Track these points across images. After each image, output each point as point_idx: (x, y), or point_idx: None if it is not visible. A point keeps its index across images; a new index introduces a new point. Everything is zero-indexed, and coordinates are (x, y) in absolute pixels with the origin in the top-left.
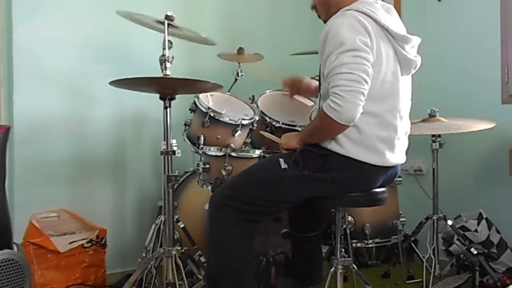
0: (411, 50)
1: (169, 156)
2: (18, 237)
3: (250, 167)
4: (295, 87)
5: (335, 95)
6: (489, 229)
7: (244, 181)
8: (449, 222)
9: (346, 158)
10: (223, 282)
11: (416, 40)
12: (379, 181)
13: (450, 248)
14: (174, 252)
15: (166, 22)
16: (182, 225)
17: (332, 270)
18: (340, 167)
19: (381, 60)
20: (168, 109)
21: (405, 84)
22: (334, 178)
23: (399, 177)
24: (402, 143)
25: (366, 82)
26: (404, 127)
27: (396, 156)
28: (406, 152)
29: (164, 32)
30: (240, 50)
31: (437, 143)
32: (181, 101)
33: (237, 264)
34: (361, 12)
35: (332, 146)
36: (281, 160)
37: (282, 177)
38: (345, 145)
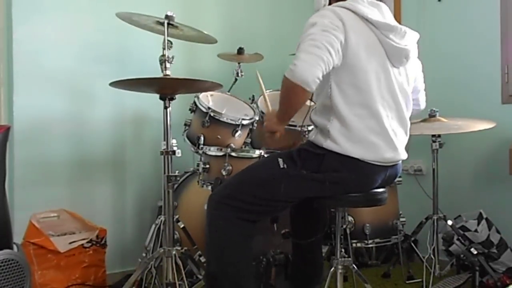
0: (401, 40)
1: (169, 156)
2: (18, 237)
3: (249, 166)
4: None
5: (295, 58)
6: (489, 229)
7: (243, 180)
8: (449, 222)
9: (342, 157)
10: (222, 282)
11: (406, 31)
12: (378, 181)
13: (450, 248)
14: (174, 252)
15: (166, 22)
16: (182, 225)
17: (332, 270)
18: (337, 167)
19: (359, 50)
20: (168, 109)
21: (401, 75)
22: (332, 179)
23: (399, 177)
24: (399, 137)
25: (328, 51)
26: (399, 119)
27: (394, 151)
28: (407, 151)
29: (163, 33)
30: (240, 50)
31: (437, 143)
32: (181, 101)
33: (236, 264)
34: (338, 6)
35: (327, 144)
36: (280, 160)
37: (280, 177)
38: (340, 142)
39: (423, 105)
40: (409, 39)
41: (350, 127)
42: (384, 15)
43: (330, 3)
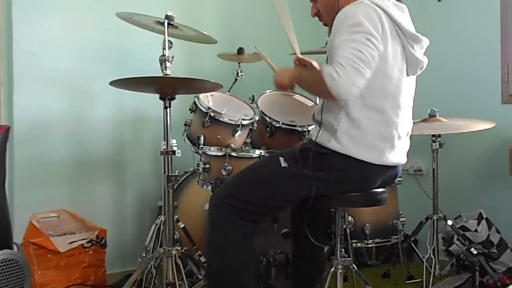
0: (420, 50)
1: (169, 156)
2: (18, 237)
3: (250, 165)
4: None
5: (339, 65)
6: (489, 229)
7: (244, 179)
8: (449, 222)
9: (345, 157)
10: (223, 282)
11: (426, 42)
12: (378, 181)
13: (450, 248)
14: (174, 252)
15: (166, 22)
16: (182, 225)
17: (332, 270)
18: (339, 166)
19: (388, 54)
20: (168, 109)
21: (410, 83)
22: (333, 177)
23: (399, 177)
24: (403, 143)
25: (370, 68)
26: (405, 126)
27: (396, 156)
28: (407, 153)
29: (164, 33)
30: (240, 50)
31: (437, 143)
32: (181, 101)
33: (237, 264)
34: (375, 5)
35: (331, 144)
36: (281, 159)
37: (281, 175)
38: (344, 143)
39: None
40: (424, 50)
41: (361, 130)
42: (409, 21)
43: None
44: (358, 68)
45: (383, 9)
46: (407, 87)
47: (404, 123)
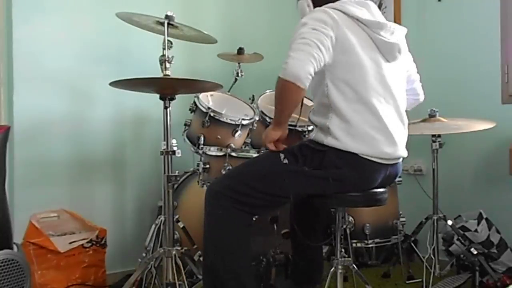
0: (391, 36)
1: (169, 156)
2: (18, 237)
3: (250, 159)
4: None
5: (287, 57)
6: (489, 229)
7: (243, 172)
8: (449, 222)
9: (343, 153)
10: (219, 271)
11: (394, 26)
12: (378, 180)
13: (450, 248)
14: (174, 252)
15: (166, 22)
16: (182, 225)
17: (332, 270)
18: (338, 164)
19: (353, 46)
20: (168, 109)
21: (394, 71)
22: (334, 176)
23: (399, 177)
24: (398, 132)
25: (319, 48)
26: (397, 114)
27: (394, 147)
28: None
29: (164, 33)
30: (240, 50)
31: (437, 143)
32: (181, 101)
33: (233, 253)
34: (328, 7)
35: (328, 141)
36: (282, 155)
37: (282, 171)
38: (340, 138)
39: (422, 95)
40: (398, 35)
41: (350, 122)
42: (373, 14)
43: (314, 7)
44: (303, 50)
45: (337, 9)
46: (391, 74)
47: (393, 110)
